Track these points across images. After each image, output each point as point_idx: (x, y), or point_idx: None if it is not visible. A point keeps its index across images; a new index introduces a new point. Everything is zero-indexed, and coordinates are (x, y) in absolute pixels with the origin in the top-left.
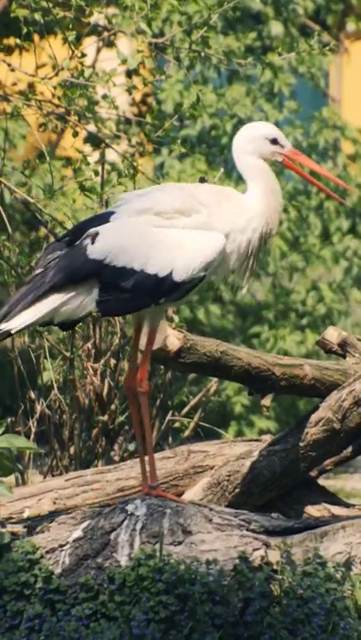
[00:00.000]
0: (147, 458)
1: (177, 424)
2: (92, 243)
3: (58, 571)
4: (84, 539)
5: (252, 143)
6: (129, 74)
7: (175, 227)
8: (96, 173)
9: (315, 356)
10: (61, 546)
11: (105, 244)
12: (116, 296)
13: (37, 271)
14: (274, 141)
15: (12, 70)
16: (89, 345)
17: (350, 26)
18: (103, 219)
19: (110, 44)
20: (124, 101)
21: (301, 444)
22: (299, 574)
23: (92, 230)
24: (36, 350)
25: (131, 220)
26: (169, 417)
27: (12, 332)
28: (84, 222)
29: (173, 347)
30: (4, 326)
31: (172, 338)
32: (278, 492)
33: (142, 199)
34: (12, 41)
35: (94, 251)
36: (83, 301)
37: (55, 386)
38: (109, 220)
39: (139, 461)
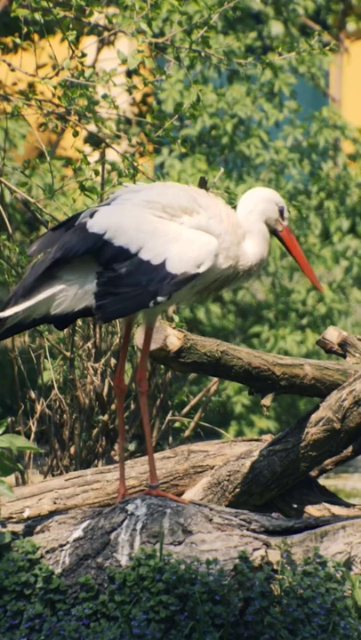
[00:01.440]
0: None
1: (177, 424)
2: (91, 217)
3: (58, 570)
4: (84, 538)
5: (263, 204)
6: (129, 74)
7: (175, 222)
8: (96, 173)
9: (315, 356)
10: (61, 546)
11: (104, 220)
12: (112, 291)
13: (35, 260)
14: (281, 211)
15: (13, 70)
16: (89, 345)
17: (350, 26)
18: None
19: (110, 43)
20: (124, 101)
21: (302, 444)
22: (299, 574)
23: (89, 210)
24: (37, 350)
25: (135, 207)
26: (169, 417)
27: (3, 316)
28: (79, 213)
29: (174, 346)
30: (1, 315)
31: (172, 337)
32: (279, 491)
33: (150, 192)
34: (11, 40)
35: (94, 225)
36: (79, 291)
37: (55, 386)
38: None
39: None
